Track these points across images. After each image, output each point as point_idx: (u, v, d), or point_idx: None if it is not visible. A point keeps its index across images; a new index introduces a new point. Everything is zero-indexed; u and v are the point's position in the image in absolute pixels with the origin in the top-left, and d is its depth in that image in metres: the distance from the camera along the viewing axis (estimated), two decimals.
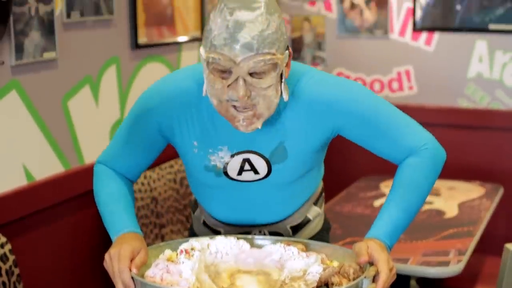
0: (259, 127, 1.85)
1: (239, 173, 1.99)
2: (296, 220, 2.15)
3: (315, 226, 2.23)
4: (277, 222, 2.12)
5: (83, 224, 3.06)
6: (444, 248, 2.98)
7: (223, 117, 1.89)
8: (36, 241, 2.82)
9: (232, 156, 1.97)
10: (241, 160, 1.97)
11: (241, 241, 1.94)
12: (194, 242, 1.89)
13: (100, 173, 2.08)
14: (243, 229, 2.12)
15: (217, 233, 2.15)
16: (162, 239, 3.26)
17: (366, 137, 1.97)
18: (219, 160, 1.97)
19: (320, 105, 1.92)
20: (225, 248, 1.91)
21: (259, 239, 1.99)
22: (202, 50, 1.82)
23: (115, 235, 1.90)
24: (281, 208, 2.11)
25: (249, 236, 2.00)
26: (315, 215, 2.21)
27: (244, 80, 1.76)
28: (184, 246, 1.87)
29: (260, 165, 1.98)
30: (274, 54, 1.77)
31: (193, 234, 2.27)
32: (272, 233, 2.12)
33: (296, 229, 2.17)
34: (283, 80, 1.84)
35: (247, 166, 1.98)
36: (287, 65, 1.86)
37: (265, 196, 2.05)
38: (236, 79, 1.76)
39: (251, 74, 1.77)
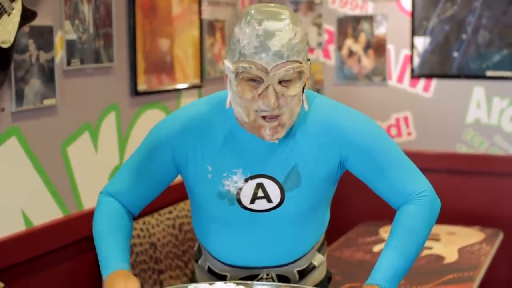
0: (281, 136, 1.90)
1: (252, 201, 2.00)
2: (303, 264, 2.16)
3: (320, 273, 2.24)
4: (285, 265, 2.12)
5: (81, 270, 3.05)
6: None
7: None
8: (34, 287, 2.81)
9: (246, 180, 1.98)
10: (254, 185, 1.99)
11: (241, 287, 1.93)
12: None
13: (103, 204, 2.08)
14: (251, 272, 2.11)
15: (223, 278, 2.15)
16: (161, 284, 3.25)
17: (367, 172, 2.00)
18: (233, 185, 1.99)
19: (332, 129, 1.97)
20: None
21: (259, 285, 1.99)
22: (227, 63, 1.88)
23: (109, 269, 1.92)
24: (291, 247, 2.10)
25: (248, 282, 1.99)
26: (319, 262, 2.22)
27: (275, 89, 1.82)
28: None
29: (274, 192, 1.99)
30: (301, 63, 1.84)
31: None
32: (279, 276, 2.12)
33: (302, 274, 2.17)
34: (304, 90, 1.91)
35: (260, 193, 2.00)
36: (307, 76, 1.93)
37: (276, 231, 2.05)
38: (267, 88, 1.82)
39: (280, 83, 1.83)
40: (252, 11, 1.85)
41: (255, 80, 1.84)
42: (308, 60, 1.91)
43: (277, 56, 1.81)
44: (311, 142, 1.98)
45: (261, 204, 2.01)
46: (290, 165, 1.98)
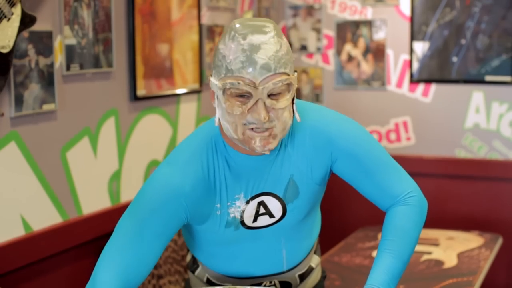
0: (273, 147, 1.85)
1: (255, 219, 1.99)
2: (303, 268, 2.18)
3: (317, 274, 2.26)
4: (287, 271, 2.13)
5: (80, 275, 3.05)
6: None
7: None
8: None
9: (247, 202, 1.97)
10: (255, 204, 1.98)
11: None
12: None
13: None
14: (254, 281, 2.12)
15: None
16: None
17: (354, 175, 2.01)
18: (237, 210, 1.97)
19: (320, 133, 1.97)
20: None
21: None
22: (214, 80, 1.84)
23: None
24: (292, 254, 2.11)
25: (245, 287, 2.00)
26: (316, 263, 2.24)
27: (264, 103, 1.79)
28: None
29: (275, 207, 1.99)
30: (288, 75, 1.82)
31: None
32: (281, 282, 2.13)
33: (302, 278, 2.18)
34: (294, 101, 1.89)
35: (262, 210, 1.99)
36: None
37: (277, 241, 2.06)
38: (256, 102, 1.79)
39: (269, 96, 1.81)
40: (236, 26, 1.83)
41: (244, 96, 1.81)
42: (295, 71, 1.89)
43: (265, 69, 1.78)
44: (301, 150, 1.98)
45: (263, 220, 2.01)
46: (286, 178, 1.98)
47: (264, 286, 2.12)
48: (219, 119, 1.88)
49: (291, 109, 1.87)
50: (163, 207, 1.88)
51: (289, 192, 1.99)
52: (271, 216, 2.00)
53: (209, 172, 1.94)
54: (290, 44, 4.30)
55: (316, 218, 2.18)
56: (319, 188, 2.03)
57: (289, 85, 1.83)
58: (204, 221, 1.98)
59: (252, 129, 1.83)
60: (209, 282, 2.18)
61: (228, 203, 1.97)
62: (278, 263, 2.10)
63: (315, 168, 1.99)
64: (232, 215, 1.97)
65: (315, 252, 2.24)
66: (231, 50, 1.79)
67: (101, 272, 1.85)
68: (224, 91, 1.81)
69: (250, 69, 1.77)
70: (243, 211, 1.98)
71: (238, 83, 1.78)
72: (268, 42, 1.79)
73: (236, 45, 1.79)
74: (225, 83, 1.80)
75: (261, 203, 1.98)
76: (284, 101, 1.83)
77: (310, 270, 2.21)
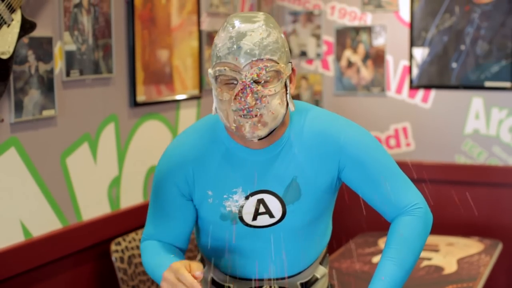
0: (263, 135, 1.89)
1: (254, 217, 2.00)
2: (306, 277, 2.15)
3: (322, 285, 2.23)
4: (288, 277, 2.12)
5: (80, 281, 3.05)
6: None
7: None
8: None
9: (247, 198, 1.98)
10: (255, 201, 1.98)
11: None
12: None
13: (146, 247, 2.08)
14: (254, 283, 2.11)
15: None
16: None
17: (362, 184, 2.00)
18: (234, 204, 1.99)
19: (330, 140, 1.98)
20: None
21: None
22: (210, 69, 1.91)
23: (165, 267, 1.90)
24: (294, 260, 2.09)
25: None
26: (322, 274, 2.21)
27: (250, 89, 1.83)
28: None
29: (275, 206, 1.99)
30: (276, 62, 1.85)
31: None
32: None
33: (305, 287, 2.16)
34: (288, 92, 1.91)
35: (262, 209, 1.99)
36: (291, 80, 1.95)
37: (279, 245, 2.04)
38: (242, 88, 1.83)
39: (256, 82, 1.84)
40: (229, 18, 1.90)
41: (232, 83, 1.86)
42: (290, 62, 1.92)
43: (249, 54, 1.83)
44: (309, 154, 1.98)
45: (263, 220, 2.00)
46: (289, 178, 1.98)
47: None
48: (215, 108, 1.93)
49: (284, 99, 1.90)
50: (161, 190, 2.03)
51: (289, 192, 1.98)
52: (271, 216, 2.00)
53: (210, 152, 1.99)
54: (290, 51, 4.30)
55: (325, 232, 2.15)
56: (324, 196, 2.02)
57: (278, 72, 1.87)
58: (198, 203, 2.02)
59: (241, 116, 1.86)
60: (213, 282, 2.18)
61: (225, 196, 1.98)
62: (279, 268, 2.09)
63: (320, 174, 1.98)
64: (228, 208, 1.99)
65: (321, 263, 2.22)
66: (221, 39, 1.87)
67: (146, 240, 2.09)
68: (216, 79, 1.88)
69: (235, 55, 1.83)
70: (241, 206, 1.99)
71: (225, 69, 1.84)
72: (255, 30, 1.85)
73: (226, 34, 1.86)
74: (215, 70, 1.87)
75: (260, 201, 1.98)
76: (272, 88, 1.86)
77: (314, 280, 2.18)
